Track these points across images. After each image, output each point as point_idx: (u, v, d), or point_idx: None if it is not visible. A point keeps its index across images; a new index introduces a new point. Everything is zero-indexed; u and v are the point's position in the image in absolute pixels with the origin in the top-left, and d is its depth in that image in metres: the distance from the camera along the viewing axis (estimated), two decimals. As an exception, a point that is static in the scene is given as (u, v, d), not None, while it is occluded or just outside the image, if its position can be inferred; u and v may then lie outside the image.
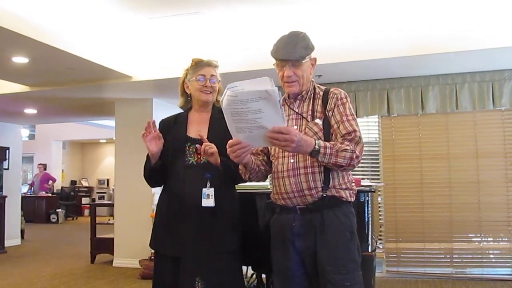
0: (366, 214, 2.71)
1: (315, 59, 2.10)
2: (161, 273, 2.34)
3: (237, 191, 2.45)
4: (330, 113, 2.02)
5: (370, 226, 2.72)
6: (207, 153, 2.17)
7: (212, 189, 2.23)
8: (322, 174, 1.97)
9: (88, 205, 12.41)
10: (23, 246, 8.19)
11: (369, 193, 2.78)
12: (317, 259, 1.97)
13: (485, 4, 3.97)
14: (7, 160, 8.01)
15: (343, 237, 1.97)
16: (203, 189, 2.23)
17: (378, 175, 5.51)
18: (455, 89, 5.06)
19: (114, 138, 6.75)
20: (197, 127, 2.37)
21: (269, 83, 1.68)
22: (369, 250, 2.71)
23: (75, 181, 14.93)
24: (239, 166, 2.12)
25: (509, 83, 4.92)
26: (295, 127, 2.03)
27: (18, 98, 6.13)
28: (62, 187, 13.94)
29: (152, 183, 2.44)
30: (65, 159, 14.71)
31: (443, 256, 5.23)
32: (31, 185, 13.20)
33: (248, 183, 2.40)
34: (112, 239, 6.31)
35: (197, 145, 2.24)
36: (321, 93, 2.08)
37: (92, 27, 4.34)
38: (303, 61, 2.01)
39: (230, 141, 1.87)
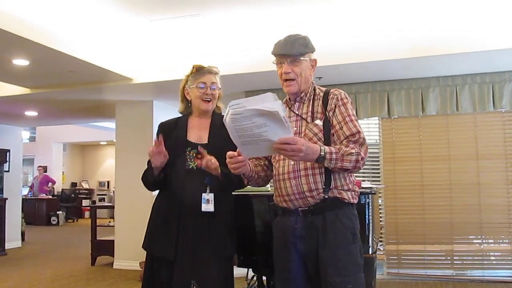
0: (366, 216, 2.72)
1: (315, 61, 2.10)
2: (153, 275, 2.32)
3: (240, 193, 2.44)
4: (331, 113, 2.01)
5: (370, 228, 2.73)
6: (210, 168, 2.17)
7: (212, 194, 2.23)
8: (323, 176, 1.96)
9: (89, 207, 12.40)
10: (24, 248, 8.18)
11: (370, 195, 2.79)
12: (318, 261, 1.96)
13: (485, 5, 3.97)
14: (7, 162, 8.00)
15: (344, 239, 1.96)
16: (203, 194, 2.22)
17: (379, 177, 5.50)
18: (455, 90, 5.06)
19: (114, 140, 6.75)
20: (198, 132, 2.37)
21: (272, 99, 1.67)
22: (370, 252, 2.73)
23: (76, 183, 14.93)
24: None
25: (509, 84, 4.91)
26: (295, 128, 2.03)
27: (18, 100, 6.13)
28: (62, 189, 13.95)
29: (152, 189, 2.44)
30: (66, 161, 14.72)
31: (444, 258, 5.22)
32: (31, 187, 13.21)
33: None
34: (113, 241, 6.31)
35: (199, 148, 2.22)
36: (321, 94, 2.08)
37: (93, 29, 4.34)
38: (302, 59, 2.02)
39: (228, 153, 1.90)
